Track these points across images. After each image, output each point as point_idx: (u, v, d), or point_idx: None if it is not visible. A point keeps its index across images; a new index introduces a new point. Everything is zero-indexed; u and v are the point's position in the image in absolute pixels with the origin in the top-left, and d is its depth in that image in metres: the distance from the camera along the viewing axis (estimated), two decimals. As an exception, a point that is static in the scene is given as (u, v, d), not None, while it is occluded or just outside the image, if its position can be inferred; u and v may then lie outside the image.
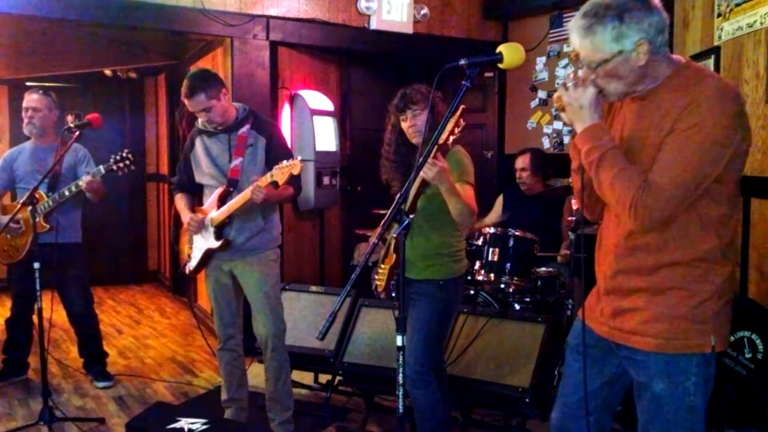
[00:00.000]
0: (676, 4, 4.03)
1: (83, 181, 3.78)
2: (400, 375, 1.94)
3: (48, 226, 3.92)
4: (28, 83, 6.76)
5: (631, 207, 1.72)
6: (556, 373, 3.61)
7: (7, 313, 4.32)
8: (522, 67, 2.30)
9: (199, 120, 3.23)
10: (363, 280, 3.66)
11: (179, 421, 2.79)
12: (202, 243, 3.23)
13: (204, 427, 2.74)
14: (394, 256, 2.70)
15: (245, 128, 3.18)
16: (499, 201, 4.67)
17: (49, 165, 3.77)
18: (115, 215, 7.25)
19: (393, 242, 2.71)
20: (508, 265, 3.94)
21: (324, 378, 4.02)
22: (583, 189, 1.94)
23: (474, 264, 3.96)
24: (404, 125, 2.86)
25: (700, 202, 1.75)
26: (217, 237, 3.16)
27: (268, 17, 4.74)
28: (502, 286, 3.99)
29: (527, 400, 3.21)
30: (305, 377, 4.04)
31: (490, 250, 3.99)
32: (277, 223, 3.32)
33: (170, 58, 6.24)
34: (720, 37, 3.62)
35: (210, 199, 3.23)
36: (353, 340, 3.74)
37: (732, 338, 2.99)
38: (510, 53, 1.90)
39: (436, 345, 2.91)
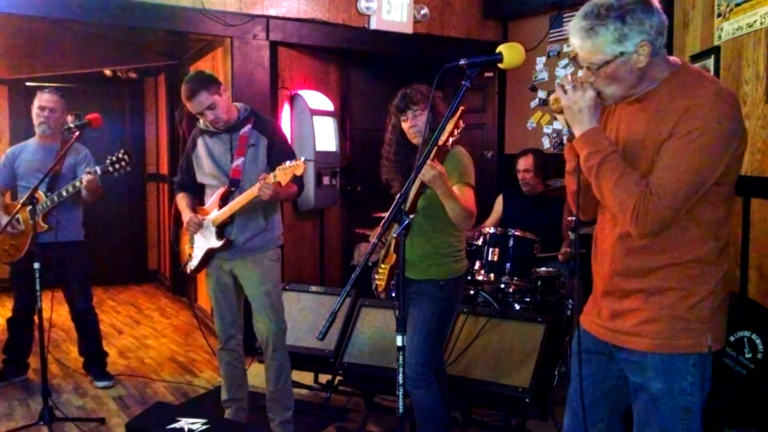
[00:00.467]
0: (675, 5, 4.02)
1: (84, 179, 3.78)
2: (400, 375, 1.94)
3: (47, 226, 3.92)
4: (28, 83, 6.77)
5: (633, 213, 1.72)
6: (556, 373, 3.62)
7: (8, 313, 4.33)
8: (522, 67, 2.30)
9: (201, 120, 3.23)
10: (363, 280, 3.66)
11: (179, 421, 2.79)
12: (203, 243, 3.23)
13: (204, 427, 2.74)
14: (395, 256, 2.70)
15: (247, 128, 3.18)
16: (499, 201, 4.67)
17: (51, 165, 3.77)
18: (115, 215, 7.26)
19: (393, 242, 2.72)
20: (508, 265, 3.94)
21: (324, 378, 4.02)
22: (578, 191, 1.94)
23: (474, 264, 3.96)
24: (405, 125, 2.86)
25: (698, 205, 1.75)
26: (219, 237, 3.17)
27: (268, 17, 4.74)
28: (502, 286, 3.99)
29: (527, 400, 3.21)
30: (305, 377, 4.04)
31: (490, 250, 3.99)
32: (278, 223, 3.32)
33: (170, 58, 6.24)
34: (720, 37, 3.62)
35: (211, 199, 3.23)
36: (353, 340, 3.74)
37: (732, 338, 2.99)
38: (510, 53, 1.90)
39: (436, 345, 2.91)
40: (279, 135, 3.30)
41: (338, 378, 3.86)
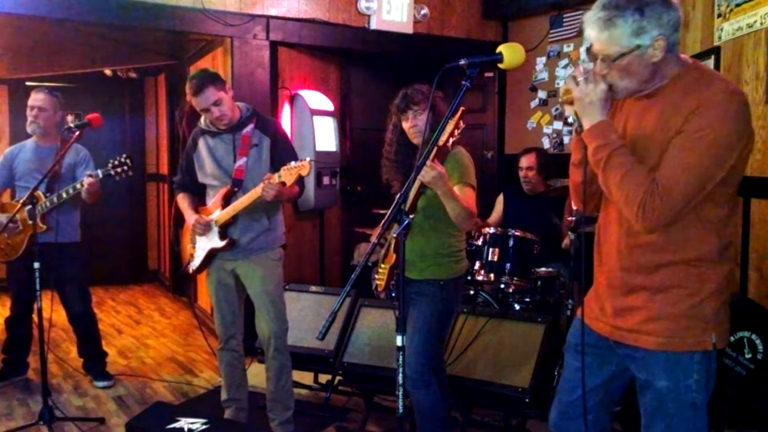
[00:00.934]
0: (676, 5, 4.02)
1: (85, 182, 3.77)
2: (400, 375, 1.94)
3: (45, 226, 3.91)
4: (28, 83, 6.77)
5: (639, 208, 1.72)
6: (556, 373, 3.61)
7: (7, 313, 4.32)
8: (522, 67, 2.31)
9: (202, 120, 3.23)
10: (363, 280, 3.66)
11: (179, 421, 2.79)
12: (205, 243, 3.23)
13: (204, 427, 2.73)
14: (395, 255, 2.69)
15: (249, 128, 3.17)
16: (500, 200, 4.67)
17: (49, 165, 3.77)
18: (115, 215, 7.25)
19: (393, 242, 2.71)
20: (508, 265, 3.94)
21: (324, 378, 4.02)
22: (583, 183, 1.93)
23: (474, 264, 3.96)
24: (405, 125, 2.86)
25: (702, 204, 1.76)
26: (222, 237, 3.16)
27: (268, 17, 4.74)
28: (502, 286, 3.99)
29: (527, 400, 3.21)
30: (305, 377, 4.04)
31: (490, 250, 3.99)
32: (280, 223, 3.32)
33: (170, 58, 6.24)
34: (720, 38, 3.62)
35: (213, 199, 3.23)
36: (353, 340, 3.74)
37: (732, 338, 2.99)
38: (510, 53, 1.90)
39: (436, 345, 2.91)
40: (282, 135, 3.30)
41: (338, 378, 3.86)
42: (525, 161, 4.45)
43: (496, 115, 5.73)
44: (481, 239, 4.03)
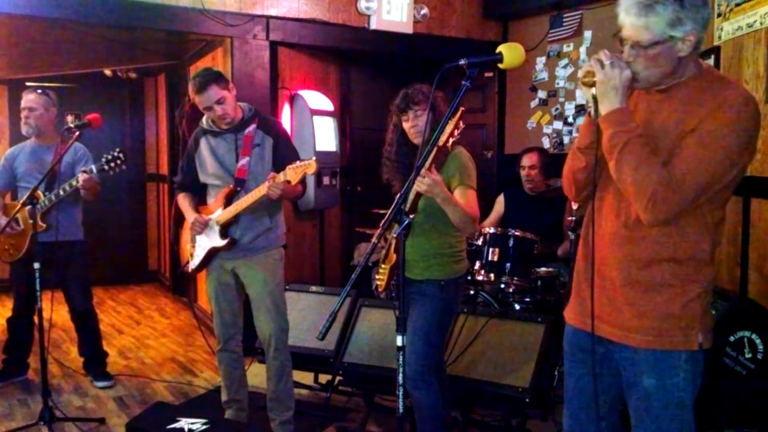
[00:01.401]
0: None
1: (80, 179, 3.78)
2: (400, 375, 1.94)
3: (45, 225, 3.92)
4: (28, 83, 6.76)
5: (651, 199, 1.72)
6: (556, 373, 3.62)
7: (8, 313, 4.32)
8: (522, 67, 2.30)
9: (204, 120, 3.23)
10: (363, 280, 3.66)
11: (179, 421, 2.79)
12: (206, 242, 3.22)
13: (204, 427, 2.74)
14: (395, 255, 2.69)
15: (251, 128, 3.17)
16: (500, 200, 4.66)
17: (49, 164, 3.77)
18: (115, 215, 7.26)
19: (394, 242, 2.71)
20: (508, 265, 3.94)
21: (324, 378, 4.01)
22: (592, 168, 1.90)
23: (474, 264, 3.96)
24: (406, 125, 2.86)
25: (702, 206, 1.77)
26: (223, 236, 3.16)
27: (268, 17, 4.74)
28: (502, 286, 3.99)
29: (527, 400, 3.21)
30: (305, 377, 4.04)
31: (490, 250, 3.99)
32: (282, 223, 3.32)
33: (170, 58, 6.25)
34: (720, 37, 3.62)
35: (215, 198, 3.22)
36: (353, 340, 3.74)
37: (732, 338, 2.99)
38: (510, 53, 1.90)
39: (436, 345, 2.90)
40: (284, 135, 3.30)
41: (338, 378, 3.86)
42: (527, 160, 4.45)
43: (496, 115, 5.73)
44: (481, 239, 4.03)
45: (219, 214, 3.16)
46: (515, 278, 3.94)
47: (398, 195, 1.99)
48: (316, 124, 5.15)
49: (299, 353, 3.69)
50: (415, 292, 2.84)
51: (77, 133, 3.59)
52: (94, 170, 3.78)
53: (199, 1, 4.44)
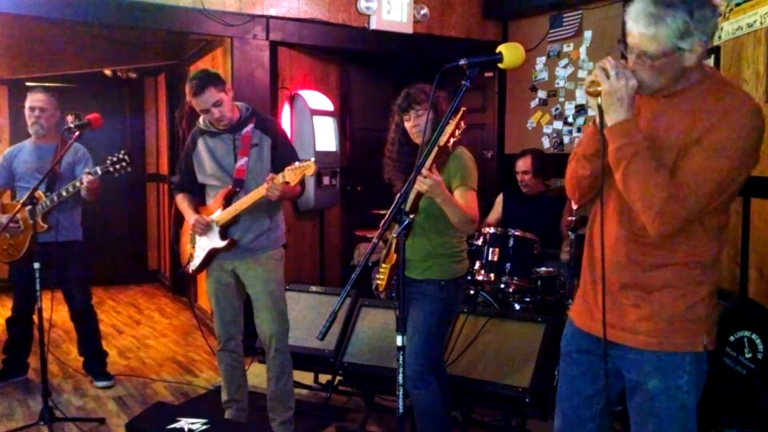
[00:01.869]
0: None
1: (84, 180, 3.78)
2: (400, 375, 1.94)
3: (46, 225, 3.92)
4: (28, 83, 6.77)
5: (659, 213, 1.71)
6: (556, 373, 3.61)
7: (8, 313, 4.32)
8: (522, 67, 2.30)
9: (201, 120, 3.22)
10: (363, 280, 3.66)
11: (179, 421, 2.78)
12: (206, 243, 3.22)
13: (204, 427, 2.73)
14: (396, 255, 2.69)
15: (249, 128, 3.17)
16: (500, 200, 4.66)
17: (48, 165, 3.77)
18: (115, 215, 7.26)
19: (394, 242, 2.71)
20: (508, 265, 3.94)
21: (324, 378, 4.01)
22: (589, 176, 1.90)
23: (474, 264, 3.96)
24: (407, 125, 2.86)
25: (709, 212, 1.76)
26: (223, 237, 3.16)
27: (268, 17, 4.74)
28: (502, 286, 3.99)
29: (527, 400, 3.21)
30: (305, 377, 4.04)
31: (490, 250, 3.99)
32: (281, 223, 3.32)
33: (170, 58, 6.24)
34: (720, 37, 3.62)
35: (214, 199, 3.22)
36: (353, 340, 3.74)
37: (732, 338, 2.99)
38: (510, 53, 1.89)
39: (436, 345, 2.91)
40: (282, 135, 3.30)
41: (338, 378, 3.86)
42: (521, 165, 4.45)
43: (496, 115, 5.73)
44: (481, 239, 4.03)
45: (218, 214, 3.16)
46: (515, 278, 3.94)
47: (398, 194, 1.99)
48: (316, 124, 5.15)
49: (299, 353, 3.69)
50: (416, 292, 2.84)
51: (77, 133, 3.59)
52: (99, 172, 3.78)
53: (199, 1, 4.44)
